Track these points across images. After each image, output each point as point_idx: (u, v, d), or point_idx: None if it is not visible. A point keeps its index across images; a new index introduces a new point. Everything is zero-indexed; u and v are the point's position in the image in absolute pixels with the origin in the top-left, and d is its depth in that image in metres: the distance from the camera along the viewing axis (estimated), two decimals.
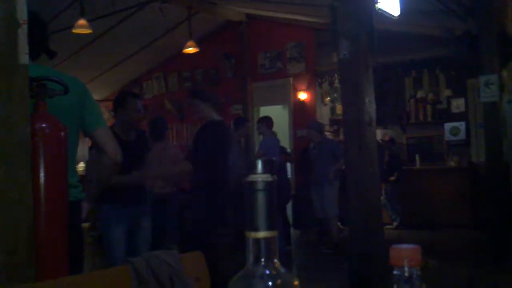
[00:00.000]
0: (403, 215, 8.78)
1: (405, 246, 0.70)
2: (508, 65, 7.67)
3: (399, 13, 5.31)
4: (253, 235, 0.63)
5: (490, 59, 6.10)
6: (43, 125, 1.65)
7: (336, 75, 9.17)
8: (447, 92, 9.29)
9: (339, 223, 7.36)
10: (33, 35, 1.62)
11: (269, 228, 0.63)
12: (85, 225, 5.05)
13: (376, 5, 4.83)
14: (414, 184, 8.82)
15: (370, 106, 3.51)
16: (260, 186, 0.63)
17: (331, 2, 4.30)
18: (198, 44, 8.89)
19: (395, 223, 8.76)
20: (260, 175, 0.63)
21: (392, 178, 8.74)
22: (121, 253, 3.48)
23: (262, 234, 0.63)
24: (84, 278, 1.60)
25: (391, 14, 5.29)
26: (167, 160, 4.98)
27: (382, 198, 8.25)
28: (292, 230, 7.88)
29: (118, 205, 3.55)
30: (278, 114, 10.75)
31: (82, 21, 7.08)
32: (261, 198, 0.63)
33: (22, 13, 1.49)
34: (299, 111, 9.91)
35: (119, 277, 1.55)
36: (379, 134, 9.02)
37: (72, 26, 7.18)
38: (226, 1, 8.88)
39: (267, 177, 0.63)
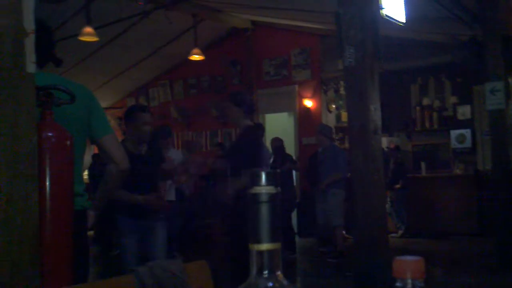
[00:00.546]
0: (408, 223, 8.74)
1: (408, 258, 0.69)
2: None
3: (405, 20, 5.31)
4: (257, 247, 0.63)
5: (496, 66, 6.08)
6: (50, 134, 1.66)
7: (341, 82, 9.17)
8: (453, 99, 9.26)
9: (344, 232, 7.31)
10: (40, 43, 1.63)
11: (273, 240, 0.63)
12: (90, 233, 5.09)
13: (381, 12, 4.83)
14: (419, 192, 8.79)
15: (376, 113, 3.51)
16: (263, 198, 0.63)
17: (336, 8, 4.30)
18: (203, 51, 8.93)
19: (400, 231, 8.72)
20: (264, 187, 0.63)
21: (398, 186, 8.71)
22: (134, 263, 3.53)
23: (265, 246, 0.63)
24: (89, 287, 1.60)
25: (397, 20, 5.29)
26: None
27: (387, 206, 8.22)
28: (297, 238, 7.86)
29: (132, 217, 3.67)
30: (284, 122, 10.76)
31: (88, 29, 7.12)
32: (264, 210, 0.63)
33: (29, 23, 1.50)
34: (305, 119, 9.92)
35: (123, 286, 1.55)
36: (385, 141, 9.01)
37: (78, 34, 7.22)
38: (232, 8, 8.91)
39: (271, 189, 0.63)
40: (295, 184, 8.46)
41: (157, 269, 1.64)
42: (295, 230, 7.93)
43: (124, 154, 2.46)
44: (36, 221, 1.36)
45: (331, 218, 6.87)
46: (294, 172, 8.43)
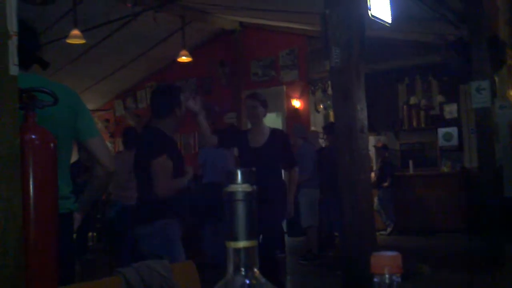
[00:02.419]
0: (396, 221, 8.80)
1: (385, 253, 0.70)
2: (500, 70, 7.73)
3: (391, 20, 5.34)
4: (233, 244, 0.64)
5: (481, 65, 6.14)
6: (33, 136, 1.65)
7: (329, 82, 9.20)
8: (439, 98, 9.34)
9: (336, 233, 7.32)
10: (24, 45, 1.63)
11: (249, 238, 0.64)
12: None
13: (369, 12, 4.85)
14: (407, 190, 8.86)
15: (362, 113, 3.53)
16: (240, 196, 0.64)
17: (323, 9, 4.31)
18: (191, 53, 8.92)
19: (388, 229, 8.78)
20: (240, 185, 0.64)
21: (385, 184, 8.77)
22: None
23: (242, 244, 0.63)
24: None
25: (384, 21, 5.32)
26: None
27: (375, 204, 8.26)
28: (286, 238, 7.87)
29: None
30: (272, 122, 10.75)
31: (75, 31, 7.09)
32: (241, 208, 0.63)
33: (12, 25, 1.50)
34: (293, 119, 9.94)
35: (110, 287, 1.55)
36: (373, 140, 9.06)
37: (66, 36, 7.19)
38: (219, 10, 8.91)
39: (247, 187, 0.64)
40: None
41: (144, 270, 1.64)
42: (284, 229, 7.93)
43: (111, 157, 2.44)
44: (20, 224, 1.36)
45: (301, 219, 6.85)
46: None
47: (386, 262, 0.69)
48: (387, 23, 5.37)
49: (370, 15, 4.80)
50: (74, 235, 2.38)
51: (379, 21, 5.23)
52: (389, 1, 5.27)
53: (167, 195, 3.23)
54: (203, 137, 4.29)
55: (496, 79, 7.52)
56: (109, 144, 12.37)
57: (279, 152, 4.33)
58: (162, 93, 3.55)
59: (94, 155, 2.34)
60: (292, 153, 4.57)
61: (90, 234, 8.33)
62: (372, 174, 8.44)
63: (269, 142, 4.33)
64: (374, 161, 9.18)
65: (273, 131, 4.44)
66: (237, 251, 0.64)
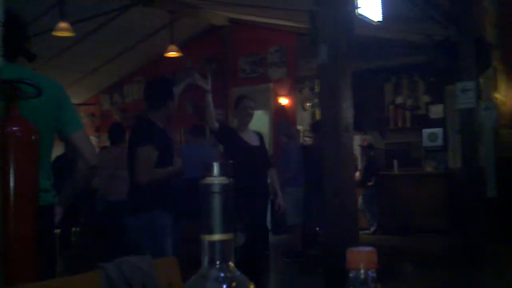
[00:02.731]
0: (380, 220, 8.85)
1: (360, 248, 0.71)
2: (485, 72, 7.80)
3: (380, 19, 5.37)
4: (208, 237, 0.64)
5: (468, 66, 6.18)
6: (14, 128, 1.64)
7: (316, 81, 9.23)
8: (425, 98, 9.41)
9: (317, 228, 7.34)
10: (11, 37, 1.61)
11: (224, 231, 0.64)
12: (57, 231, 4.97)
13: (356, 10, 4.87)
14: (391, 190, 8.92)
15: (347, 111, 3.54)
16: (215, 188, 0.63)
17: (311, 6, 4.32)
18: (180, 48, 8.88)
19: (372, 228, 8.83)
20: (216, 177, 0.64)
21: (370, 183, 8.81)
22: None
23: (217, 237, 0.63)
24: (55, 284, 1.58)
25: (371, 20, 5.34)
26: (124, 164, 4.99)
27: (359, 203, 8.30)
28: (270, 235, 7.87)
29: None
30: (259, 120, 10.75)
31: (63, 24, 7.01)
32: (216, 201, 0.63)
33: None
34: (280, 117, 9.94)
35: (90, 282, 1.54)
36: (358, 139, 9.10)
37: (52, 29, 7.11)
38: (209, 5, 8.88)
39: (223, 180, 0.64)
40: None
41: (126, 265, 1.63)
42: (269, 227, 7.94)
43: (94, 151, 2.42)
44: None
45: (286, 218, 6.87)
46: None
47: (361, 258, 0.70)
48: (374, 22, 5.40)
49: (357, 13, 4.83)
50: (57, 230, 2.37)
51: (366, 19, 5.26)
52: (380, 0, 5.30)
53: (146, 183, 3.26)
54: (208, 118, 4.35)
55: (481, 80, 7.58)
56: (94, 139, 12.29)
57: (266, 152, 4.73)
58: (156, 85, 3.67)
59: (77, 148, 2.31)
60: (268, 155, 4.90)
61: (73, 229, 8.26)
62: (357, 173, 8.48)
63: (262, 142, 4.64)
64: (359, 160, 9.23)
65: (257, 132, 4.77)
66: (212, 244, 0.64)
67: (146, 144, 3.28)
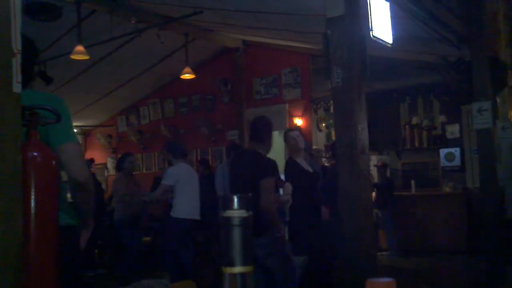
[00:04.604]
0: (397, 241, 8.75)
1: (380, 279, 0.71)
2: (501, 91, 7.76)
3: (392, 41, 5.37)
4: (229, 270, 0.64)
5: (483, 86, 6.16)
6: (35, 154, 1.67)
7: (331, 101, 9.22)
8: (441, 118, 9.36)
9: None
10: (25, 62, 1.64)
11: (245, 263, 0.64)
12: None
13: (371, 33, 4.89)
14: (409, 210, 8.83)
15: (363, 133, 3.54)
16: (235, 222, 0.64)
17: (325, 29, 4.35)
18: (194, 70, 8.97)
19: (391, 249, 8.72)
20: (236, 210, 0.65)
21: (385, 204, 8.74)
22: None
23: (237, 269, 0.64)
24: None
25: (385, 42, 5.35)
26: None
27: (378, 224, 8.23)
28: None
29: None
30: (274, 140, 10.75)
31: (79, 47, 7.14)
32: (236, 234, 0.64)
33: (17, 43, 1.52)
34: None
35: None
36: (374, 159, 9.05)
37: (70, 52, 7.24)
38: (223, 28, 8.98)
39: (243, 213, 0.65)
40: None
41: None
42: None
43: (83, 167, 2.23)
44: (20, 242, 1.36)
45: None
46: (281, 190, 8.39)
47: None
48: (389, 43, 5.41)
49: (371, 35, 4.84)
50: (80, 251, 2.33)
51: (380, 41, 5.27)
52: (390, 22, 5.31)
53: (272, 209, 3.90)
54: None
55: (498, 100, 7.53)
56: (111, 160, 12.38)
57: None
58: (265, 122, 4.55)
59: (65, 162, 2.14)
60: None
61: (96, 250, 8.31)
62: (373, 194, 8.42)
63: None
64: (375, 180, 9.17)
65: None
66: (233, 276, 0.64)
67: (270, 176, 3.99)
